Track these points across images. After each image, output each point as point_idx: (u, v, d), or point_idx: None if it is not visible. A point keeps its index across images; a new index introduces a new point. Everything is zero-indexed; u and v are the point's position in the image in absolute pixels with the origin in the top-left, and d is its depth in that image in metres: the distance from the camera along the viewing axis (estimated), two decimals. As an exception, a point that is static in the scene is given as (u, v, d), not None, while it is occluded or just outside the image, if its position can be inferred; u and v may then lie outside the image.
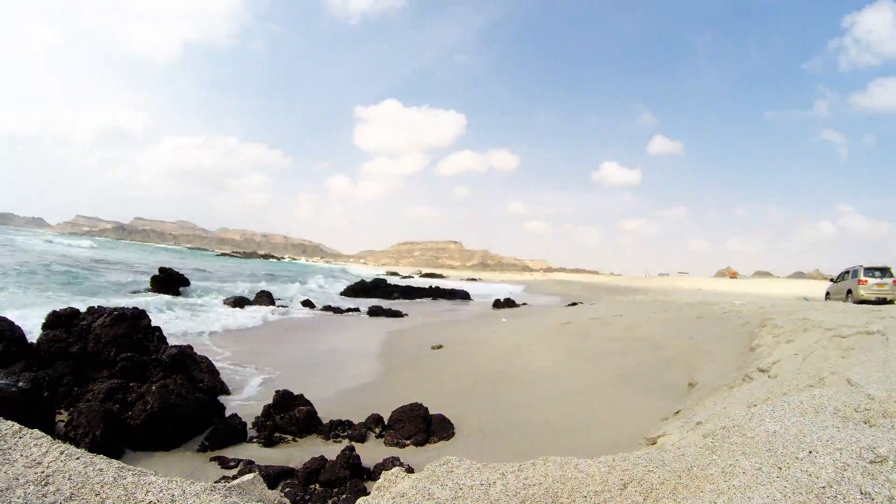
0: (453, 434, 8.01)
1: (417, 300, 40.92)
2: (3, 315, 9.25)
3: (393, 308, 28.69)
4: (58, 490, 2.46)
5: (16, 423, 2.90)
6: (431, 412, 8.21)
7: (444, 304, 38.59)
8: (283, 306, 26.14)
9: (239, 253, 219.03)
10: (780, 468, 2.94)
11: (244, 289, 31.81)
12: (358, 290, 41.96)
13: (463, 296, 46.96)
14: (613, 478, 2.99)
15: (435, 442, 7.81)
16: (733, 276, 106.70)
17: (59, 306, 10.71)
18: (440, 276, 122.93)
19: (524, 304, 36.74)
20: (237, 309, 23.13)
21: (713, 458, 3.19)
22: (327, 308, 27.91)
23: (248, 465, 6.62)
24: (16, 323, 9.10)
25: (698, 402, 7.19)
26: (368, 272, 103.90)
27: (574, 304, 32.51)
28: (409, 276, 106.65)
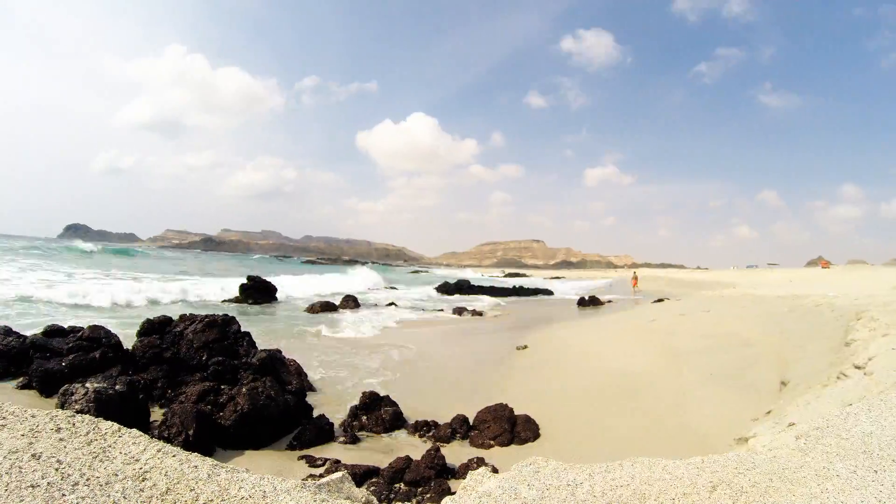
0: (538, 435, 7.93)
1: (501, 299, 40.44)
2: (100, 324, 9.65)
3: (477, 308, 28.54)
4: (154, 485, 2.55)
5: (115, 423, 3.02)
6: (516, 413, 8.17)
7: (528, 302, 38.09)
8: (368, 308, 26.32)
9: (324, 259, 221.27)
10: (876, 472, 2.84)
11: (328, 293, 32.31)
12: (443, 290, 42.03)
13: (547, 294, 46.18)
14: (702, 480, 2.92)
15: (520, 443, 7.73)
16: (825, 265, 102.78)
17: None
18: (523, 275, 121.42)
19: (609, 301, 35.88)
20: (322, 313, 23.48)
21: (806, 460, 3.09)
22: (412, 309, 27.97)
23: (335, 464, 6.74)
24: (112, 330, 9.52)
25: (790, 402, 6.93)
26: (452, 273, 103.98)
27: (660, 300, 31.53)
28: (493, 276, 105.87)
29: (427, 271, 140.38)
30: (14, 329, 9.97)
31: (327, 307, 24.64)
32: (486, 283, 53.22)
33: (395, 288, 43.93)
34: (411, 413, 8.66)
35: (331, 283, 33.05)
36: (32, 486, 2.37)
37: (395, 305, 28.73)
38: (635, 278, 52.56)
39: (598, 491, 2.84)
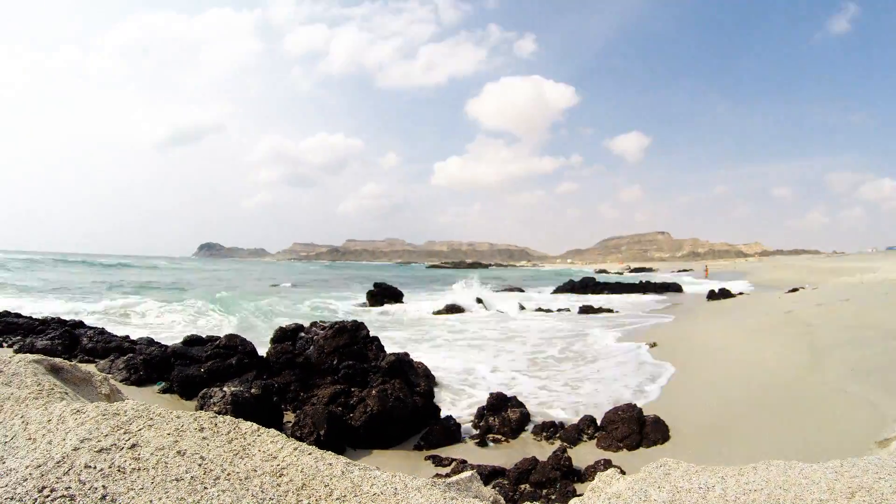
0: (668, 437, 7.68)
1: (627, 295, 39.60)
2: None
3: (603, 306, 28.10)
4: (290, 481, 2.63)
5: (254, 423, 3.14)
6: (645, 413, 7.97)
7: (655, 298, 37.10)
8: (495, 311, 26.35)
9: (447, 263, 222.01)
10: None
11: (454, 296, 32.64)
12: (568, 289, 41.63)
13: (675, 288, 44.58)
14: (840, 485, 2.75)
15: (649, 445, 7.51)
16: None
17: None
18: (650, 270, 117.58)
19: (740, 293, 34.32)
20: (449, 315, 23.72)
21: (956, 465, 2.87)
22: (539, 310, 27.83)
23: (461, 464, 6.78)
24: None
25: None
26: (576, 271, 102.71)
27: (795, 289, 29.83)
28: (618, 273, 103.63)
29: (551, 270, 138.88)
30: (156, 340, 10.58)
31: (453, 309, 24.87)
32: (612, 280, 52.19)
33: (520, 289, 43.67)
34: (538, 413, 8.60)
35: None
36: (177, 480, 2.49)
37: (522, 307, 28.65)
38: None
39: (731, 495, 2.72)
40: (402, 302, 28.01)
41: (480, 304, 26.91)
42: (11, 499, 2.21)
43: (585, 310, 26.35)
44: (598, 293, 39.89)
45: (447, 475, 6.08)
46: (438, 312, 24.63)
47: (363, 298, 27.95)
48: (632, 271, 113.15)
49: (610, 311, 26.47)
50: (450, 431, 7.93)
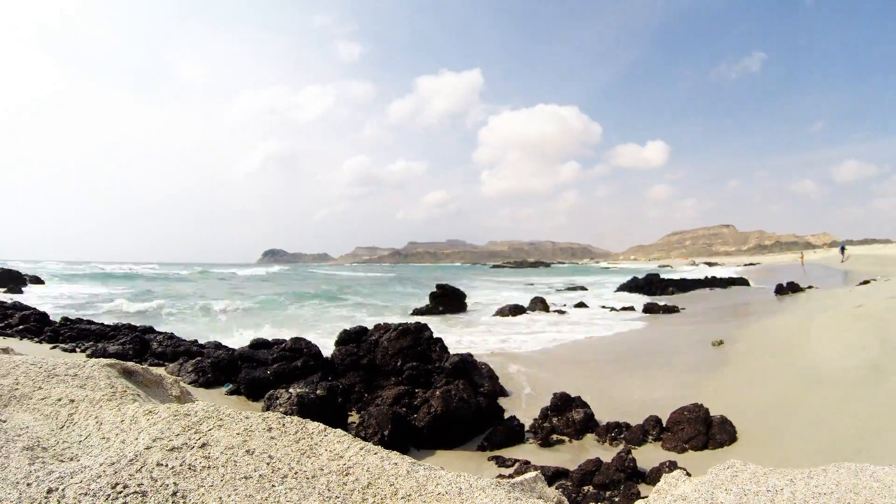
0: (735, 438, 7.46)
1: (693, 292, 38.36)
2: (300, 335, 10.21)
3: (668, 303, 27.60)
4: (356, 480, 2.65)
5: (321, 423, 3.19)
6: (712, 413, 7.77)
7: (721, 294, 35.94)
8: (558, 311, 26.12)
9: (510, 263, 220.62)
10: None
11: (517, 297, 32.56)
12: (632, 287, 40.88)
13: (741, 283, 43.06)
14: (914, 489, 2.66)
15: (715, 446, 7.30)
16: None
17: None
18: (715, 265, 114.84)
19: (809, 286, 33.04)
20: (512, 317, 23.65)
21: None
22: (602, 307, 27.57)
23: (525, 465, 6.75)
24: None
25: None
26: (640, 268, 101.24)
27: (866, 281, 28.64)
28: (683, 268, 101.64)
29: (614, 267, 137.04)
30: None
31: (516, 310, 24.78)
32: (676, 276, 51.31)
33: (583, 288, 43.26)
34: (602, 414, 8.48)
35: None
36: (246, 478, 2.54)
37: (585, 306, 28.37)
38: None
39: (800, 498, 2.64)
40: (465, 303, 27.95)
41: (542, 304, 26.69)
42: (85, 494, 2.27)
43: (649, 308, 25.87)
44: (663, 290, 38.91)
45: (510, 476, 6.06)
46: (501, 313, 24.54)
47: (426, 300, 27.99)
48: (697, 266, 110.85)
49: (675, 308, 25.93)
50: (513, 432, 7.90)
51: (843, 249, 55.60)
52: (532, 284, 53.40)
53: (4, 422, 3.11)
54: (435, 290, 27.46)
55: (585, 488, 6.15)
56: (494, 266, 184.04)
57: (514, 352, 14.83)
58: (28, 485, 2.36)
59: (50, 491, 2.29)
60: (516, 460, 7.01)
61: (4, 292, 32.35)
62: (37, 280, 44.00)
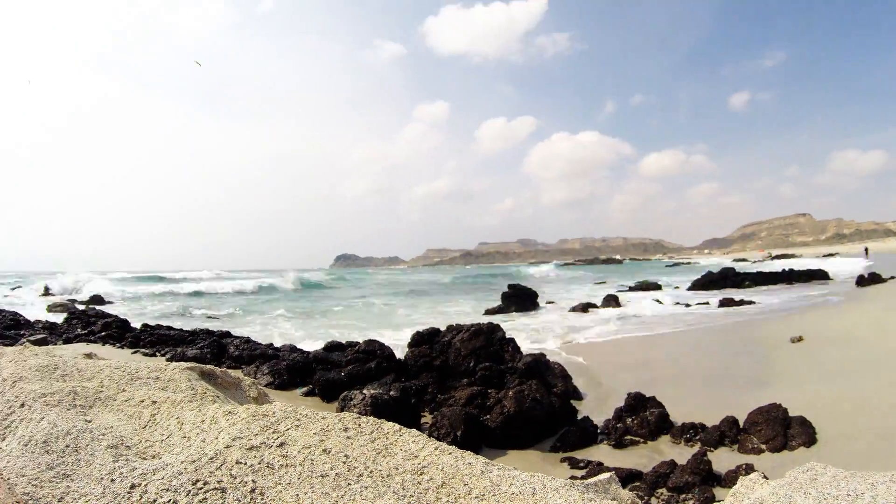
0: (815, 439, 7.13)
1: (770, 286, 37.27)
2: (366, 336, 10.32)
3: (745, 298, 26.59)
4: (431, 479, 2.66)
5: (396, 424, 3.22)
6: (790, 414, 7.49)
7: (799, 287, 34.41)
8: (630, 308, 25.60)
9: (581, 261, 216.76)
10: None
11: (589, 295, 32.26)
12: (706, 282, 39.54)
13: (821, 276, 41.06)
14: None
15: (793, 448, 7.00)
16: None
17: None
18: (792, 256, 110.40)
19: (892, 277, 31.47)
20: (584, 315, 23.41)
21: None
22: (676, 304, 26.97)
23: (598, 467, 6.66)
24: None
25: None
26: (714, 262, 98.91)
27: None
28: (758, 261, 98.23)
29: (688, 262, 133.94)
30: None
31: (589, 308, 24.53)
32: (752, 270, 49.78)
33: (656, 285, 42.25)
34: (676, 414, 8.28)
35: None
36: (322, 476, 2.58)
37: (658, 302, 27.82)
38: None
39: (882, 503, 2.53)
40: (537, 302, 27.74)
41: (615, 301, 26.32)
42: (167, 490, 2.36)
43: (725, 303, 25.15)
44: (738, 285, 37.73)
45: (582, 477, 5.99)
46: (573, 311, 24.31)
47: (497, 301, 27.91)
48: (773, 258, 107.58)
49: (751, 303, 25.15)
50: (586, 433, 7.81)
51: (867, 250, 53.12)
52: (604, 282, 52.79)
53: (90, 422, 3.24)
54: (506, 289, 27.35)
55: (659, 491, 6.05)
56: (564, 264, 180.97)
57: (586, 351, 14.65)
58: (112, 480, 2.48)
59: (133, 486, 2.39)
60: (589, 461, 6.93)
61: (89, 301, 33.69)
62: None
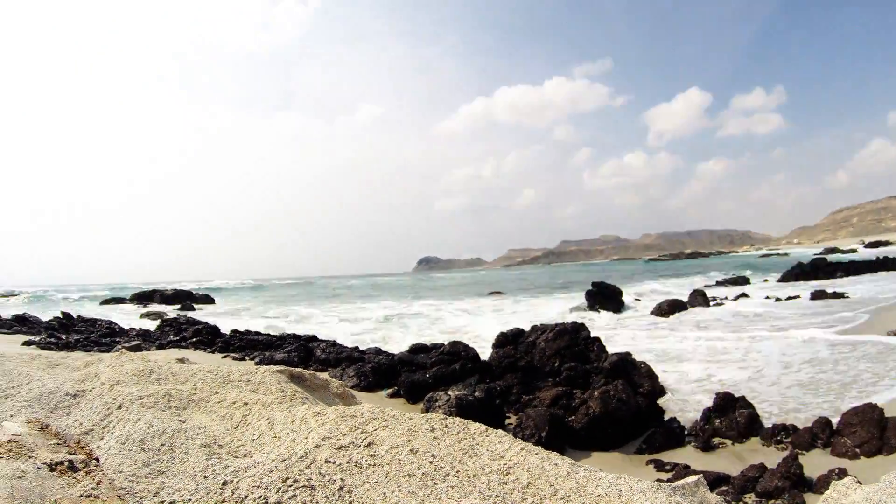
0: None
1: (865, 276, 35.47)
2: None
3: (837, 290, 25.48)
4: (516, 479, 2.67)
5: (483, 424, 3.26)
6: (887, 415, 7.10)
7: None
8: (718, 304, 24.89)
9: (665, 256, 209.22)
10: None
11: (674, 291, 31.59)
12: (797, 274, 37.73)
13: None
14: None
15: (890, 451, 6.62)
16: None
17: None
18: (886, 244, 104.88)
19: None
20: (670, 313, 22.73)
21: None
22: (766, 299, 25.98)
23: (684, 470, 6.49)
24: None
25: None
26: (804, 252, 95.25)
27: None
28: (851, 250, 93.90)
29: (777, 253, 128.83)
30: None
31: (675, 306, 23.80)
32: (845, 259, 47.71)
33: (744, 278, 40.56)
34: (766, 415, 8.02)
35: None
36: (409, 475, 2.63)
37: (746, 296, 26.88)
38: None
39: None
40: (622, 300, 27.11)
41: (702, 298, 25.49)
42: (258, 487, 2.46)
43: (817, 295, 24.16)
44: (830, 275, 36.05)
45: (668, 480, 5.86)
46: (659, 309, 23.66)
47: (581, 300, 27.53)
48: (867, 246, 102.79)
49: (843, 295, 24.10)
50: (673, 434, 7.64)
51: None
52: (689, 277, 51.44)
53: (184, 422, 3.38)
54: (590, 288, 26.98)
55: (747, 496, 5.86)
56: (650, 260, 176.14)
57: (673, 349, 14.34)
58: (205, 477, 2.63)
59: (225, 483, 2.52)
60: (675, 464, 6.78)
61: (179, 310, 35.63)
62: (208, 298, 47.10)
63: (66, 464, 2.04)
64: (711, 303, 25.05)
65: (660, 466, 6.85)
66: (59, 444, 2.24)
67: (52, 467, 2.00)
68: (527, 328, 10.94)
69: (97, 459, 2.21)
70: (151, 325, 21.58)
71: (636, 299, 29.11)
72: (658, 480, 5.95)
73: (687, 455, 7.26)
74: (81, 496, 1.90)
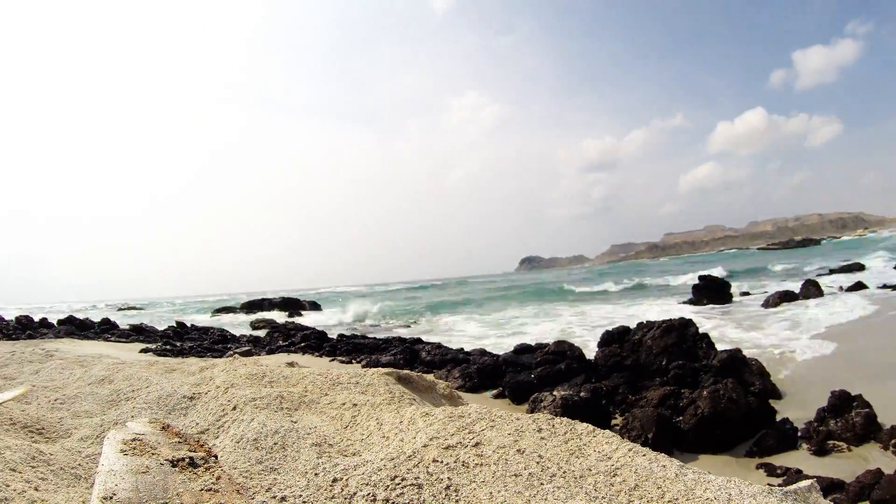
0: None
1: None
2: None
3: None
4: (623, 481, 2.65)
5: (590, 425, 3.26)
6: None
7: None
8: (832, 295, 23.40)
9: (775, 244, 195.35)
10: None
11: (785, 282, 30.32)
12: None
13: None
14: None
15: None
16: None
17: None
18: None
19: None
20: (782, 305, 21.72)
21: None
22: (883, 287, 24.14)
23: (796, 475, 6.16)
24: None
25: None
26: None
27: None
28: None
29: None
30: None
31: (786, 297, 22.74)
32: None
33: (860, 266, 37.65)
34: (886, 416, 7.48)
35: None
36: (516, 475, 2.66)
37: (863, 286, 25.11)
38: None
39: None
40: (730, 293, 26.10)
41: (815, 288, 24.11)
42: (367, 484, 2.57)
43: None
44: None
45: (779, 485, 5.63)
46: (769, 301, 22.62)
47: (688, 294, 26.77)
48: None
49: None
50: (785, 437, 7.22)
51: None
52: (801, 265, 48.94)
53: (295, 422, 3.54)
54: (697, 281, 26.25)
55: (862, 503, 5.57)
56: (760, 249, 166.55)
57: (785, 344, 13.75)
58: (315, 474, 2.77)
59: (335, 480, 2.64)
60: (787, 468, 6.41)
61: (287, 316, 37.65)
62: (315, 305, 48.74)
63: (187, 460, 2.17)
64: (825, 292, 23.66)
65: (770, 471, 6.51)
66: (179, 442, 2.38)
67: (174, 463, 2.13)
68: (632, 326, 10.74)
69: (216, 456, 2.32)
70: (261, 331, 22.59)
71: (743, 292, 28.07)
72: (769, 485, 5.75)
73: (799, 459, 6.85)
74: (202, 490, 2.02)
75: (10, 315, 25.62)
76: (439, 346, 13.58)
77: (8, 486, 2.40)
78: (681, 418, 7.54)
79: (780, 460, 6.75)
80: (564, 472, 2.71)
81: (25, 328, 20.68)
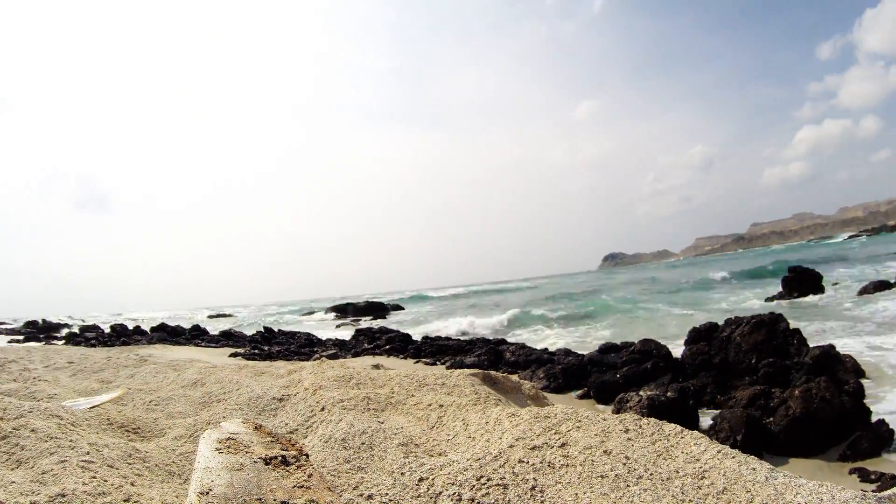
0: None
1: None
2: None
3: None
4: (711, 484, 2.61)
5: (678, 426, 3.21)
6: None
7: None
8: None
9: (866, 231, 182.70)
10: None
11: (878, 272, 29.06)
12: None
13: None
14: None
15: None
16: None
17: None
18: None
19: None
20: (878, 296, 20.58)
21: None
22: None
23: (891, 480, 5.88)
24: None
25: None
26: None
27: None
28: None
29: None
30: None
31: (881, 287, 21.57)
32: None
33: None
34: None
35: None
36: (601, 476, 2.66)
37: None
38: None
39: None
40: (822, 285, 24.88)
41: None
42: (452, 484, 2.64)
43: None
44: None
45: (874, 491, 5.39)
46: (864, 292, 21.50)
47: (777, 288, 25.84)
48: None
49: None
50: (880, 439, 6.84)
51: None
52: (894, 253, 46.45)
53: (382, 423, 3.64)
54: (787, 273, 25.39)
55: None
56: (851, 236, 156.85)
57: (882, 339, 13.17)
58: (402, 474, 2.86)
59: (421, 479, 2.74)
60: (881, 474, 6.06)
61: (371, 319, 38.70)
62: (398, 308, 49.58)
63: (280, 458, 2.26)
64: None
65: (864, 476, 6.15)
66: (272, 441, 2.47)
67: (267, 461, 2.22)
68: (720, 322, 10.49)
69: (307, 455, 2.41)
70: (346, 334, 23.04)
71: (834, 283, 26.86)
72: (862, 491, 5.51)
73: (894, 463, 6.60)
74: (294, 487, 2.11)
75: (103, 322, 26.89)
76: (523, 346, 13.58)
77: (106, 481, 2.57)
78: (771, 419, 7.27)
79: (876, 465, 6.42)
80: (651, 474, 2.69)
81: (120, 335, 21.86)
